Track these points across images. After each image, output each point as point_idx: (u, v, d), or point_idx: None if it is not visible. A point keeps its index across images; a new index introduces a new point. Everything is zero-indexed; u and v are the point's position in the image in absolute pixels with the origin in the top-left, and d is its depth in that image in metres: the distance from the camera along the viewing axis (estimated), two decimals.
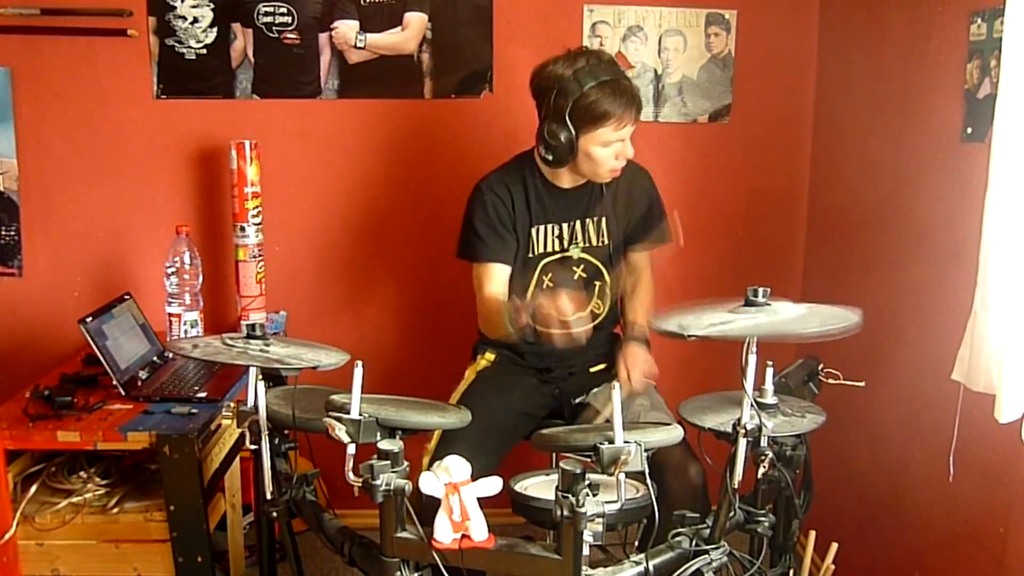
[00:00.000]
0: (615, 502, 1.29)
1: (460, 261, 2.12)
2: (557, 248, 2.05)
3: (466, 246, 2.03)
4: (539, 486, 1.53)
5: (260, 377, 1.54)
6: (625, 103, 1.87)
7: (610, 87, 1.86)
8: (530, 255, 2.04)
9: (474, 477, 1.32)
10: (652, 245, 2.12)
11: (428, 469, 1.35)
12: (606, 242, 2.07)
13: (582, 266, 2.06)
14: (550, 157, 1.92)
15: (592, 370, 2.09)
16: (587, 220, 2.05)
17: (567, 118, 1.86)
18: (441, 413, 1.58)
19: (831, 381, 1.69)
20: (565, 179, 2.02)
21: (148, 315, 2.24)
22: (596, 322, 2.08)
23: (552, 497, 1.29)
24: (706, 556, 1.41)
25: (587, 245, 2.06)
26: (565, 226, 2.05)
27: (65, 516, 1.81)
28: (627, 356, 1.97)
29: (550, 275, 2.05)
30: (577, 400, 2.06)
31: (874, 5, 2.26)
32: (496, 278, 2.00)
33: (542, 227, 2.04)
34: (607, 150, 1.91)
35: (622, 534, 1.58)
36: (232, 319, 2.57)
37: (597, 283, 2.08)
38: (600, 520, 1.27)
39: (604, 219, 2.06)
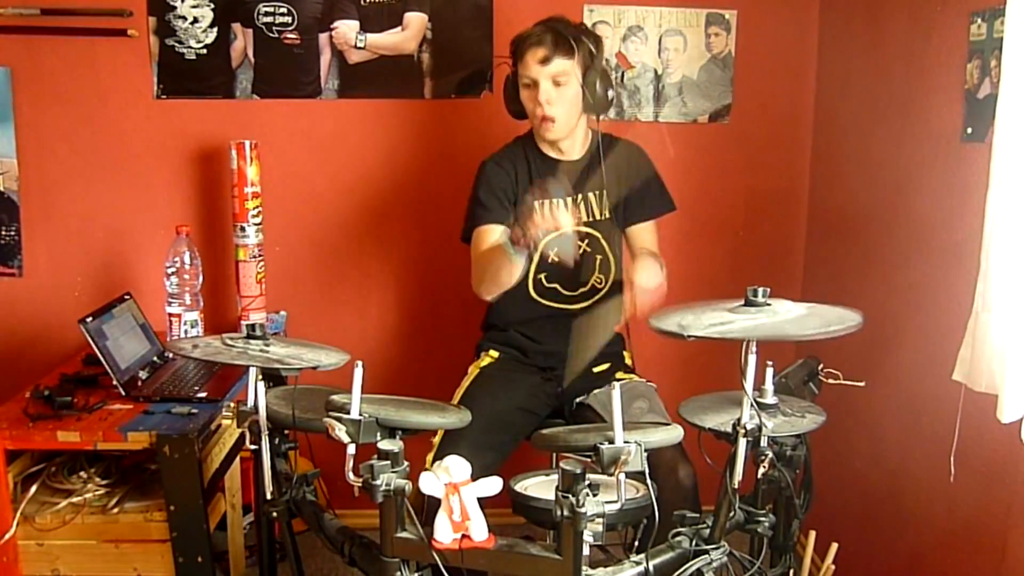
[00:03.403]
0: (615, 502, 1.29)
1: (460, 260, 2.12)
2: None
3: (468, 219, 2.05)
4: (539, 486, 1.53)
5: (260, 377, 1.54)
6: (537, 35, 1.91)
7: (541, 23, 1.94)
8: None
9: (477, 473, 1.32)
10: (651, 217, 2.14)
11: (431, 465, 1.35)
12: (608, 215, 2.08)
13: (586, 240, 2.07)
14: (507, 108, 2.02)
15: (595, 370, 2.09)
16: (588, 194, 2.07)
17: (512, 61, 1.97)
18: (441, 413, 1.58)
19: (831, 381, 1.69)
20: (558, 151, 2.05)
21: (148, 315, 2.24)
22: (598, 296, 2.09)
23: (552, 497, 1.29)
24: (706, 556, 1.40)
25: (590, 219, 2.07)
26: (569, 200, 2.06)
27: (65, 516, 1.81)
28: (639, 270, 1.86)
29: (555, 249, 2.04)
30: (578, 400, 2.06)
31: (874, 5, 2.26)
32: (494, 239, 1.98)
33: (546, 202, 2.04)
34: (528, 92, 1.95)
35: (622, 534, 1.57)
36: (232, 319, 2.57)
37: (599, 257, 2.09)
38: (600, 520, 1.27)
39: (606, 192, 2.07)
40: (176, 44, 2.50)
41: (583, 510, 1.23)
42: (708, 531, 1.44)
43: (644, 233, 2.13)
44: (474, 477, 1.32)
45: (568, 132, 2.00)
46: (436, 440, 1.85)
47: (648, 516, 1.42)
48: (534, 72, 1.92)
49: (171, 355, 2.21)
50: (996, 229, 1.49)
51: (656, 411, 1.95)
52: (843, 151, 2.47)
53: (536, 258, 2.03)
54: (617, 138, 2.13)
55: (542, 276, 2.06)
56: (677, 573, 1.38)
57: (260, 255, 2.44)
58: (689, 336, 1.30)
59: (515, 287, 2.01)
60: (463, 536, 1.31)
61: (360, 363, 1.37)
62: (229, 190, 2.41)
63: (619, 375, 2.08)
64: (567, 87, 1.93)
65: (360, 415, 1.35)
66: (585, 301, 2.09)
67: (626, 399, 1.91)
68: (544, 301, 2.08)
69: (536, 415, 2.04)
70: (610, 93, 1.99)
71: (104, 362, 1.94)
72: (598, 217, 2.08)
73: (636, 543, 1.60)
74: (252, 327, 1.58)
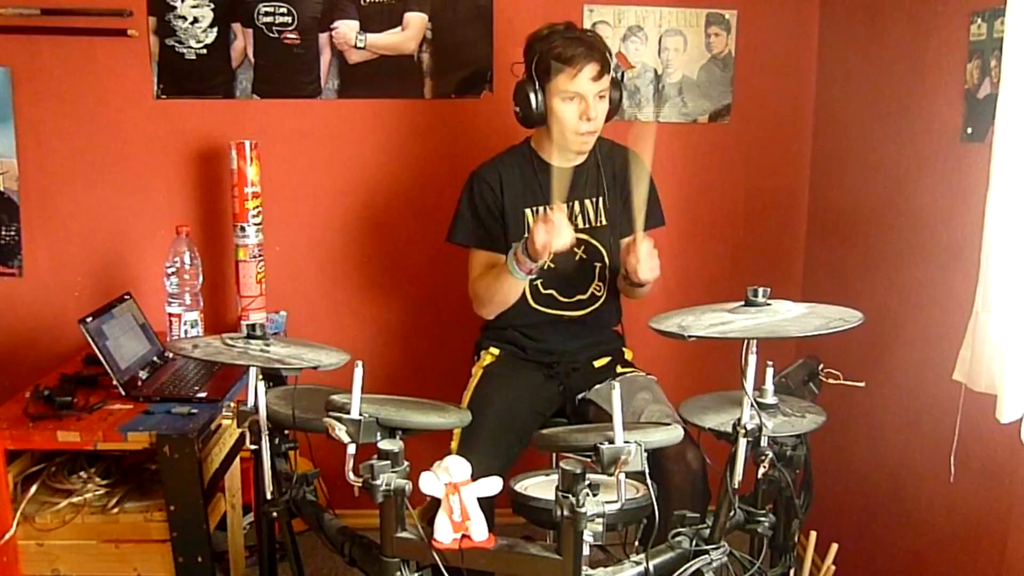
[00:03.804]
0: (615, 502, 1.29)
1: (460, 260, 2.14)
2: None
3: (451, 228, 2.10)
4: (539, 486, 1.53)
5: (260, 377, 1.54)
6: (584, 50, 1.90)
7: (571, 36, 1.93)
8: (526, 236, 2.04)
9: (495, 475, 1.32)
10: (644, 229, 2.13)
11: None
12: (604, 223, 2.08)
13: (582, 247, 2.06)
14: (522, 115, 1.99)
15: (596, 364, 2.10)
16: (585, 200, 2.07)
17: (533, 72, 1.94)
18: (441, 413, 1.58)
19: (831, 381, 1.69)
20: (557, 157, 2.04)
21: (148, 315, 2.24)
22: (598, 304, 2.09)
23: (552, 497, 1.29)
24: (706, 556, 1.40)
25: (587, 226, 2.07)
26: (565, 206, 2.05)
27: (65, 516, 1.81)
28: (630, 249, 1.92)
29: (551, 256, 2.04)
30: (580, 396, 2.06)
31: (874, 5, 2.26)
32: (488, 262, 2.06)
33: (540, 208, 2.05)
34: (569, 106, 1.94)
35: (622, 534, 1.57)
36: (232, 319, 2.57)
37: (597, 264, 2.08)
38: (600, 520, 1.27)
39: (602, 200, 2.07)
40: (176, 44, 2.50)
41: (583, 510, 1.23)
42: (708, 531, 1.44)
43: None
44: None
45: None
46: (453, 446, 1.85)
47: (648, 516, 1.43)
48: (585, 88, 1.90)
49: (171, 355, 2.21)
50: (996, 229, 1.49)
51: (660, 401, 1.95)
52: (843, 151, 2.47)
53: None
54: (617, 144, 2.13)
55: (538, 282, 2.07)
56: (677, 573, 1.38)
57: (260, 255, 2.44)
58: (689, 336, 1.30)
59: None
60: (463, 536, 1.31)
61: (360, 363, 1.37)
62: (229, 190, 2.41)
63: (619, 369, 2.08)
64: (606, 100, 1.96)
65: (360, 415, 1.35)
66: (583, 309, 2.09)
67: (628, 392, 1.92)
68: (541, 308, 2.08)
69: (542, 415, 2.04)
70: (622, 102, 2.05)
71: (104, 362, 1.94)
72: (595, 224, 2.07)
73: (637, 542, 1.61)
74: (252, 327, 1.58)
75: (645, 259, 1.88)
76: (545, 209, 1.93)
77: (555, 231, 1.79)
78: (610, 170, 2.08)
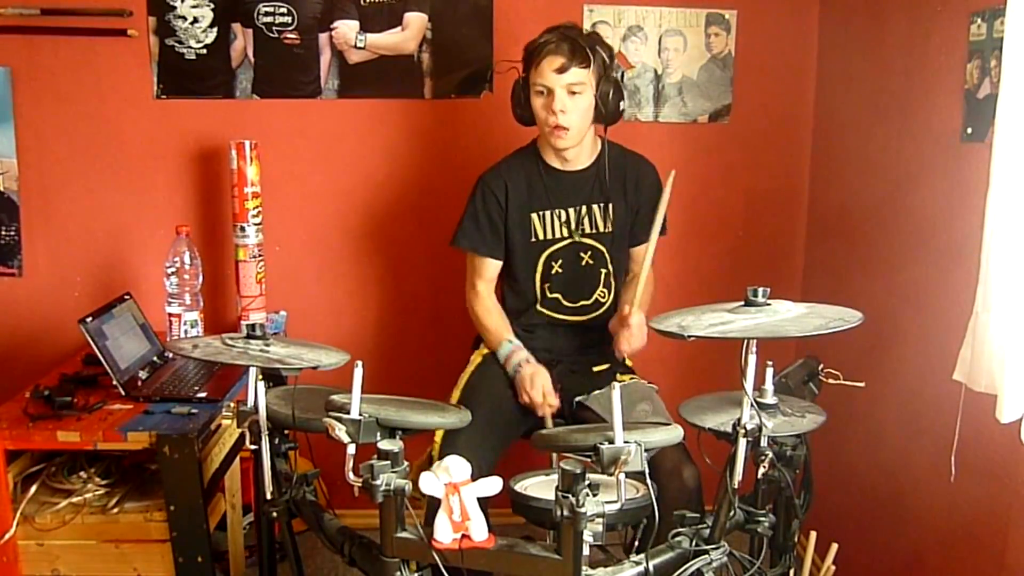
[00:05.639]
0: (615, 502, 1.30)
1: (459, 261, 2.14)
2: (564, 234, 2.06)
3: (456, 233, 2.10)
4: (539, 486, 1.53)
5: (260, 377, 1.54)
6: (554, 43, 1.90)
7: (554, 30, 1.93)
8: (533, 240, 2.04)
9: (480, 463, 1.32)
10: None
11: (437, 460, 1.36)
12: (612, 228, 2.07)
13: (589, 252, 2.07)
14: (514, 112, 2.03)
15: (595, 369, 2.09)
16: (593, 206, 2.06)
17: (524, 67, 1.97)
18: (441, 413, 1.58)
19: (831, 381, 1.69)
20: (563, 161, 2.05)
21: (148, 315, 2.24)
22: (602, 310, 2.10)
23: (552, 497, 1.29)
24: (706, 556, 1.41)
25: (594, 231, 2.07)
26: (572, 211, 2.05)
27: (65, 516, 1.81)
28: (622, 321, 1.99)
29: (559, 261, 2.06)
30: (578, 399, 2.06)
31: (874, 5, 2.26)
32: (485, 274, 2.08)
33: (547, 213, 2.05)
34: (540, 99, 1.95)
35: (622, 534, 1.58)
36: (232, 319, 2.57)
37: (603, 270, 2.08)
38: (600, 520, 1.27)
39: (611, 205, 2.06)
40: (176, 44, 2.50)
41: (583, 510, 1.23)
42: (708, 531, 1.44)
43: (642, 250, 2.14)
44: (477, 467, 1.32)
45: (578, 141, 1.99)
46: (438, 437, 1.85)
47: (648, 516, 1.43)
48: (550, 80, 1.90)
49: (171, 355, 2.21)
50: (996, 229, 1.49)
51: (660, 414, 1.95)
52: (843, 151, 2.47)
53: (540, 268, 2.05)
54: (627, 151, 2.12)
55: (545, 286, 2.07)
56: (677, 573, 1.38)
57: (260, 255, 2.44)
58: (689, 336, 1.30)
59: (518, 295, 2.07)
60: (463, 536, 1.31)
61: (360, 363, 1.37)
62: (229, 190, 2.41)
63: (619, 376, 2.07)
64: (581, 97, 1.92)
65: (360, 415, 1.35)
66: (587, 314, 2.09)
67: (629, 401, 1.93)
68: (545, 311, 2.09)
69: (533, 410, 2.04)
70: (622, 105, 1.98)
71: (104, 362, 1.94)
72: (602, 229, 2.07)
73: (636, 543, 1.60)
74: (252, 327, 1.58)
75: (635, 333, 1.94)
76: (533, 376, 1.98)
77: (538, 402, 1.94)
78: (619, 175, 2.07)
